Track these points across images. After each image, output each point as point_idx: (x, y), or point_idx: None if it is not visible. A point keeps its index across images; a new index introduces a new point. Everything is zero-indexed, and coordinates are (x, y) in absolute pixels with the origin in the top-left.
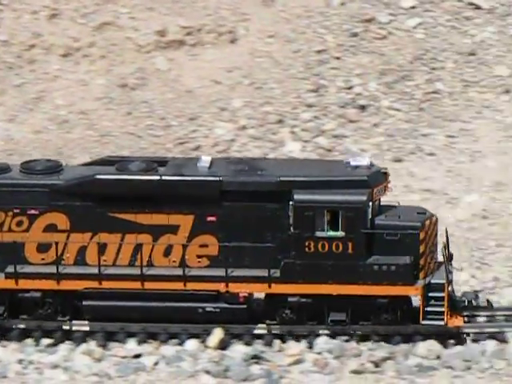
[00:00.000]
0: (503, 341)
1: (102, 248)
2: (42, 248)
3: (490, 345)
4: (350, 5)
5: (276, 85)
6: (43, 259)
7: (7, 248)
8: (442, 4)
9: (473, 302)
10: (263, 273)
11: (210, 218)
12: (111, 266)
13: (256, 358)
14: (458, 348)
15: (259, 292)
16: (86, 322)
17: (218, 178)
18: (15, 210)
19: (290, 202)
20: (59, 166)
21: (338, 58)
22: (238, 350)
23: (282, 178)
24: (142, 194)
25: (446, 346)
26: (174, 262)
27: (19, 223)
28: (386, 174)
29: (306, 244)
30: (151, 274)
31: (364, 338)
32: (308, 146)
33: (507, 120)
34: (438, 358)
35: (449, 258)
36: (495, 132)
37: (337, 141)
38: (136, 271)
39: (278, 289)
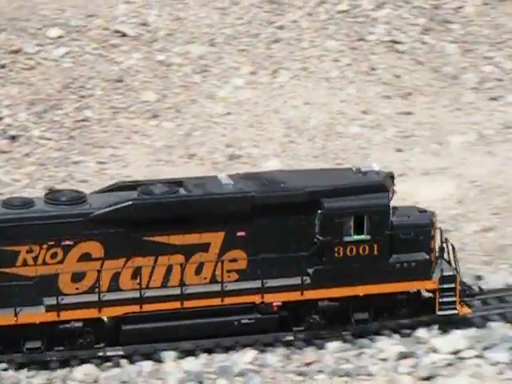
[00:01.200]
0: (159, 361)
1: (136, 272)
2: (77, 277)
3: (146, 365)
4: None
5: None
6: (77, 288)
7: (42, 281)
8: (88, 33)
9: (466, 289)
10: (295, 281)
11: (239, 234)
12: (145, 288)
13: None
14: (115, 370)
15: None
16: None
17: (250, 194)
18: (49, 243)
19: (319, 211)
20: (84, 196)
21: None
22: None
23: (310, 189)
24: (177, 216)
25: (102, 369)
26: (204, 278)
27: (53, 255)
28: (392, 178)
29: (336, 250)
30: (190, 292)
31: (21, 366)
32: None
33: (156, 144)
34: (96, 381)
35: (449, 251)
36: (145, 156)
37: None
38: (174, 291)
39: (310, 295)
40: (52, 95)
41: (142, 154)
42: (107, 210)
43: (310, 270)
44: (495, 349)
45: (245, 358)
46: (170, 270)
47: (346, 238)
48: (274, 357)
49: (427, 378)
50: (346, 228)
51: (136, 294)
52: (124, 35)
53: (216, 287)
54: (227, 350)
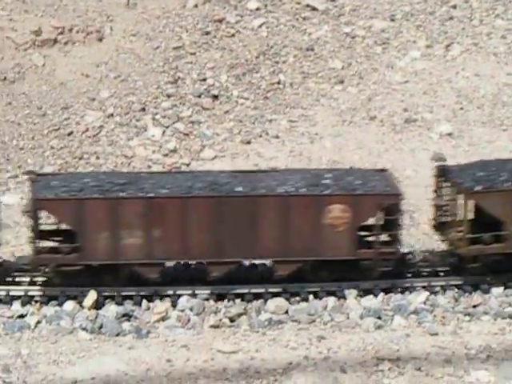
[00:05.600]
0: (342, 297)
1: None
2: None
3: (331, 300)
4: (202, 6)
5: (139, 77)
6: None
7: None
8: (282, 6)
9: None
10: None
11: None
12: None
13: (127, 316)
14: (303, 304)
15: None
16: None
17: None
18: None
19: None
20: None
21: (193, 54)
22: (111, 309)
23: None
24: None
25: (291, 303)
26: None
27: None
28: None
29: None
30: None
31: (220, 298)
32: (168, 130)
33: (341, 107)
34: (286, 312)
35: None
36: (331, 117)
37: (193, 126)
38: None
39: None
40: (250, 60)
41: (328, 115)
42: None
43: None
44: None
45: (419, 298)
46: None
47: None
48: (444, 298)
49: None
50: None
51: None
52: (314, 9)
53: None
54: (403, 291)
